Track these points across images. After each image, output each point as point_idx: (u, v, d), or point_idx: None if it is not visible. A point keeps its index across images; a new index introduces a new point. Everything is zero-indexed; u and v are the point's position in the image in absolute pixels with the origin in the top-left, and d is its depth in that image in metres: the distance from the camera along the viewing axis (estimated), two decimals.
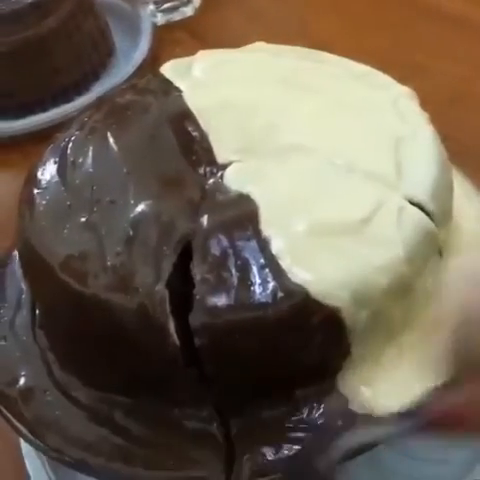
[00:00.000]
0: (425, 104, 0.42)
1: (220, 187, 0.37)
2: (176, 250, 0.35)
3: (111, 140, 0.40)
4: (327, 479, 0.34)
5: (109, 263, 0.35)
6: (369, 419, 0.33)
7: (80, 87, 0.75)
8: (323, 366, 0.34)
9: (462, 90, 0.64)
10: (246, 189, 0.37)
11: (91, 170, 0.39)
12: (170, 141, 0.40)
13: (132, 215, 0.36)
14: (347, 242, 0.34)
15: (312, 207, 0.35)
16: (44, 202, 0.39)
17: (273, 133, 0.39)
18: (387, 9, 0.75)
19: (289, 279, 0.33)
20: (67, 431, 0.36)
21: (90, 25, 0.75)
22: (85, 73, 0.75)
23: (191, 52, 0.46)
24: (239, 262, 0.34)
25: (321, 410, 0.34)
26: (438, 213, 0.36)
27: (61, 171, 0.39)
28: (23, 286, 0.42)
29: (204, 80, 0.43)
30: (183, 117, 0.40)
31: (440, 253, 0.37)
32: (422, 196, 0.36)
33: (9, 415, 0.37)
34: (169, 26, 0.81)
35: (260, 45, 0.45)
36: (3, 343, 0.40)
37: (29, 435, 0.37)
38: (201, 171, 0.38)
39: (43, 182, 0.39)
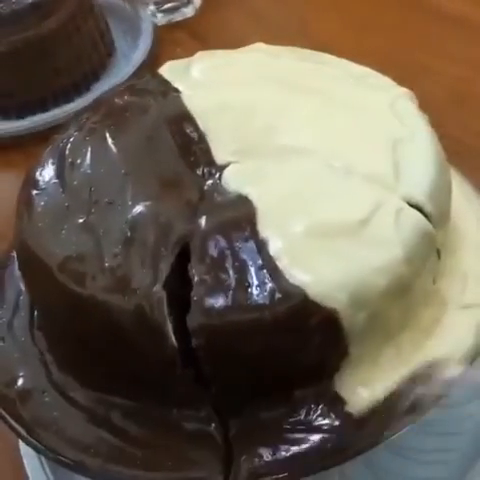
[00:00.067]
0: (425, 104, 0.42)
1: (218, 188, 0.37)
2: (174, 251, 0.35)
3: (109, 141, 0.40)
4: None
5: (107, 264, 0.35)
6: None
7: (81, 87, 0.75)
8: (321, 367, 0.34)
9: (462, 90, 0.64)
10: (244, 190, 0.37)
11: (89, 171, 0.39)
12: (168, 142, 0.40)
13: (130, 216, 0.36)
14: (345, 243, 0.34)
15: (310, 208, 0.35)
16: (42, 203, 0.39)
17: (271, 134, 0.39)
18: (387, 9, 0.75)
19: (287, 280, 0.33)
20: (65, 432, 0.36)
21: (90, 26, 0.75)
22: (85, 73, 0.76)
23: (191, 52, 0.46)
24: (237, 263, 0.34)
25: (319, 411, 0.34)
26: (436, 214, 0.36)
27: (59, 172, 0.39)
28: (22, 287, 0.42)
29: (203, 81, 0.43)
30: (181, 118, 0.40)
31: (438, 254, 0.37)
32: (420, 197, 0.36)
33: (7, 416, 0.37)
34: (169, 26, 0.81)
35: (259, 46, 0.45)
36: (1, 344, 0.40)
37: (27, 436, 0.37)
38: (199, 172, 0.38)
39: (41, 183, 0.39)
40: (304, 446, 0.33)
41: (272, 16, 0.79)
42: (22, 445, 0.43)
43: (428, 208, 0.36)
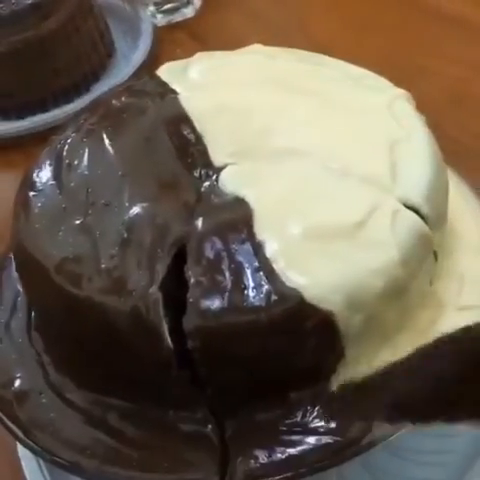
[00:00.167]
0: (422, 105, 0.41)
1: (215, 190, 0.37)
2: (170, 253, 0.35)
3: (107, 142, 0.40)
4: None
5: (103, 266, 0.35)
6: None
7: (80, 88, 0.75)
8: (317, 369, 0.34)
9: (460, 91, 0.64)
10: (241, 192, 0.37)
11: (86, 173, 0.39)
12: (166, 144, 0.40)
13: (127, 218, 0.36)
14: (341, 245, 0.34)
15: (307, 210, 0.35)
16: (39, 205, 0.39)
17: (269, 136, 0.39)
18: (387, 10, 0.75)
19: (283, 283, 0.33)
20: (61, 433, 0.36)
21: (90, 26, 0.75)
22: (85, 74, 0.76)
23: (191, 53, 0.46)
24: (233, 265, 0.34)
25: (315, 413, 0.34)
26: (433, 216, 0.36)
27: (56, 174, 0.39)
28: (19, 288, 0.42)
29: (200, 82, 0.43)
30: (179, 120, 0.40)
31: (435, 255, 0.37)
32: (417, 199, 0.36)
33: (4, 417, 0.37)
34: (169, 27, 0.82)
35: (257, 47, 0.45)
36: None
37: (23, 437, 0.37)
38: (196, 174, 0.38)
39: (38, 185, 0.39)
40: (300, 448, 0.33)
41: (271, 17, 0.79)
42: (20, 447, 0.43)
43: (425, 210, 0.36)
